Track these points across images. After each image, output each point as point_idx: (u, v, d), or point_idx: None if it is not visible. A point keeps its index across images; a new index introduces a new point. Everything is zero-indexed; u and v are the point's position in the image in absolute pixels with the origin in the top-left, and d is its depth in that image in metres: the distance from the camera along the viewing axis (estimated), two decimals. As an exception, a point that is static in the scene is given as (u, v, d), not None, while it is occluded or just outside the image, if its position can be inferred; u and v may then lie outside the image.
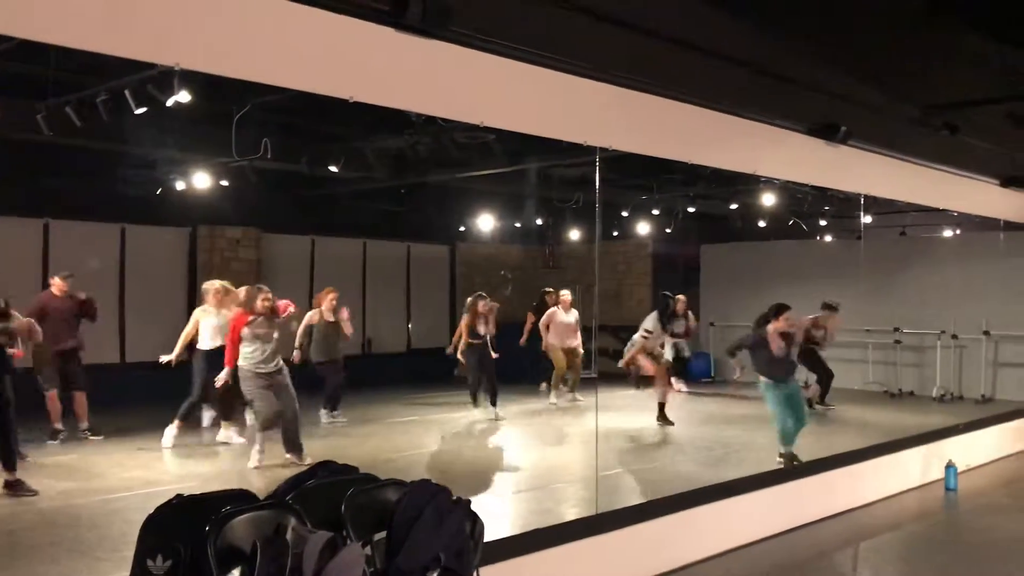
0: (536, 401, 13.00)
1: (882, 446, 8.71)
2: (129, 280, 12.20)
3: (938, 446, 9.26)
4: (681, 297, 11.75)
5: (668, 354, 11.63)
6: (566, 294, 12.76)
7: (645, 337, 10.76)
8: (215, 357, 8.66)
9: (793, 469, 7.79)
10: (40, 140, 8.01)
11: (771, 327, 8.16)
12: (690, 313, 11.87)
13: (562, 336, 12.47)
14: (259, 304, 8.18)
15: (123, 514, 6.38)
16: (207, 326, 9.05)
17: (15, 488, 6.96)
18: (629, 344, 10.89)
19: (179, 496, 3.54)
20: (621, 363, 11.04)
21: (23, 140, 8.50)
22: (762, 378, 8.28)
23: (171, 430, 8.82)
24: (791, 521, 7.23)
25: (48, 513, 6.61)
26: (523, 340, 13.33)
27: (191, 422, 9.11)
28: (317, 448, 8.38)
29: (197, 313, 9.18)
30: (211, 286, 9.26)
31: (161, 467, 8.37)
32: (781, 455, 8.25)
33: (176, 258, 12.88)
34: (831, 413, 11.90)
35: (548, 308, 12.94)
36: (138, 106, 6.52)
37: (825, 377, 11.98)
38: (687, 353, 13.41)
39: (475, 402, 11.47)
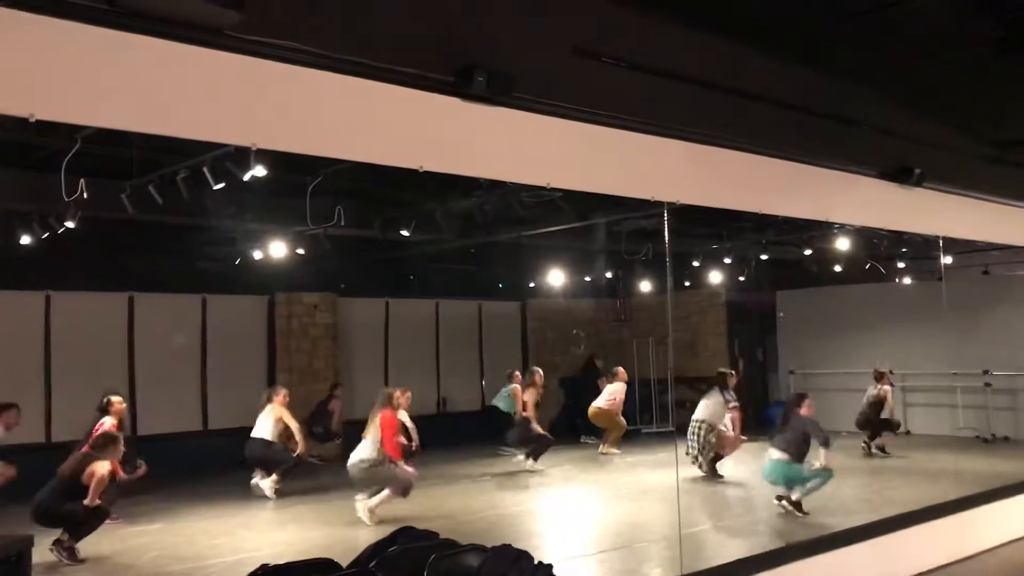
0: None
1: (986, 494, 8.41)
2: (210, 348, 12.52)
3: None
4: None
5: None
6: (621, 370, 13.37)
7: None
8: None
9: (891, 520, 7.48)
10: (124, 218, 8.37)
11: (803, 410, 8.53)
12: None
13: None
14: (403, 401, 9.14)
15: None
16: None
17: (70, 554, 7.02)
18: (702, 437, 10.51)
19: (264, 566, 3.59)
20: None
21: (109, 219, 8.86)
22: (786, 458, 8.37)
23: (268, 482, 9.79)
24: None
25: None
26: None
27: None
28: (396, 510, 8.40)
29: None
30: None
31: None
32: None
33: (255, 325, 13.19)
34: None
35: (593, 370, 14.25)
36: (216, 182, 6.78)
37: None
38: None
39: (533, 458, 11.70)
